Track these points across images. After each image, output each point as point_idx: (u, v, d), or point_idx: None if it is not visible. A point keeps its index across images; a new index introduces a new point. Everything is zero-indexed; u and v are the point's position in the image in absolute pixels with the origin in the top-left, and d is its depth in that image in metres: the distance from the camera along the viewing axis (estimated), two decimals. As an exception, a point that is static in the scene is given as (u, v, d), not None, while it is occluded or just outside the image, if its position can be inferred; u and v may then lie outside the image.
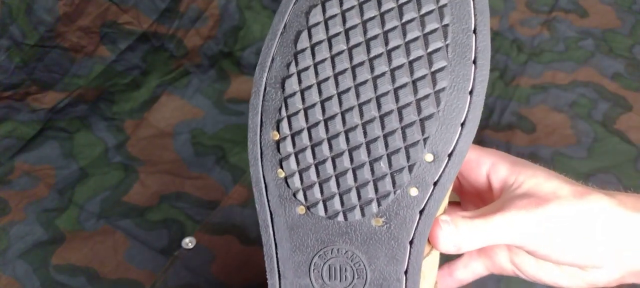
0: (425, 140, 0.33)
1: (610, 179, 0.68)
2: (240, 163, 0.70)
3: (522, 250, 0.38)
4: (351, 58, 0.34)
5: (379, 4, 0.33)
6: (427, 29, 0.33)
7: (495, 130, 0.74)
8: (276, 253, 0.37)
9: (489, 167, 0.39)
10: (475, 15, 0.32)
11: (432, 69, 0.33)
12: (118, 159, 0.70)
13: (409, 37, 0.33)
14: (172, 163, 0.70)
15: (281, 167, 0.35)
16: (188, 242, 0.62)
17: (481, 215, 0.36)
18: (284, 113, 0.35)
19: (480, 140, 0.73)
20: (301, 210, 0.36)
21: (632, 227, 0.35)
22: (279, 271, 0.37)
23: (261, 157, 0.36)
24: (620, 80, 0.79)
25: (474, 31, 0.32)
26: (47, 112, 0.73)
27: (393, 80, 0.33)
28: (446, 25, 0.32)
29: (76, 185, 0.67)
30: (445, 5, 0.32)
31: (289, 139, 0.35)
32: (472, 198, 0.41)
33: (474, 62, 0.32)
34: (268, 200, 0.36)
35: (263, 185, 0.36)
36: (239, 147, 0.72)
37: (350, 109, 0.34)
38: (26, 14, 0.70)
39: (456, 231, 0.35)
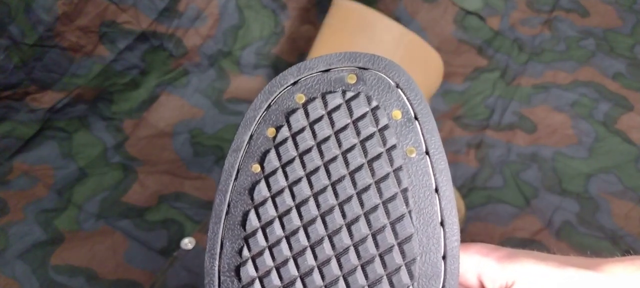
0: None
1: (611, 179, 0.68)
2: (240, 163, 0.70)
3: None
4: (308, 235, 0.30)
5: (328, 172, 0.30)
6: (386, 196, 0.30)
7: (496, 130, 0.74)
8: None
9: (477, 271, 0.38)
10: (434, 174, 0.30)
11: (399, 240, 0.30)
12: (117, 159, 0.70)
13: (368, 206, 0.30)
14: (172, 163, 0.70)
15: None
16: (187, 243, 0.62)
17: None
18: None
19: (481, 141, 0.73)
20: None
21: None
22: None
23: None
24: (622, 80, 0.79)
25: (436, 191, 0.29)
26: (45, 112, 0.72)
27: (358, 255, 0.30)
28: (405, 190, 0.30)
29: (75, 185, 0.67)
30: (400, 168, 0.30)
31: None
32: None
33: (442, 224, 0.30)
34: None
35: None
36: (239, 147, 0.72)
37: None
38: (25, 14, 0.69)
39: None
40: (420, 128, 0.30)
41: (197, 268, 0.60)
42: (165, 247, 0.62)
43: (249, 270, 0.30)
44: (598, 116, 0.74)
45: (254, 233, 0.30)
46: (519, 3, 0.90)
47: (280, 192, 0.30)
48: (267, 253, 0.30)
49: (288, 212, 0.30)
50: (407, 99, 0.30)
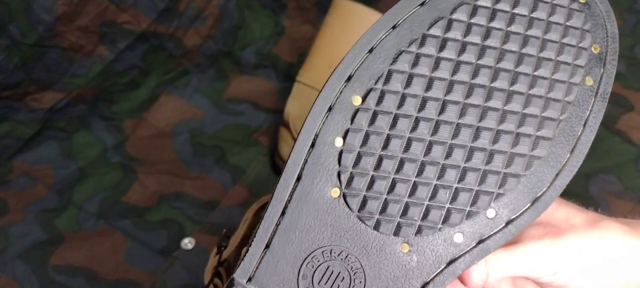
0: (498, 195, 0.32)
1: (611, 179, 0.68)
2: (240, 163, 0.70)
3: (533, 283, 0.38)
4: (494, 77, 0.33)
5: (524, 43, 0.33)
6: (552, 94, 0.33)
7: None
8: (278, 222, 0.31)
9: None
10: (591, 112, 0.34)
11: (537, 133, 0.33)
12: (117, 159, 0.70)
13: (535, 90, 0.33)
14: (171, 163, 0.70)
15: (344, 138, 0.31)
16: (187, 243, 0.62)
17: (504, 247, 0.35)
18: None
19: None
20: (335, 193, 0.31)
21: None
22: (268, 242, 0.31)
23: (329, 111, 0.31)
24: (622, 80, 0.79)
25: (584, 124, 0.34)
26: (46, 112, 0.72)
27: (501, 121, 0.32)
28: (568, 102, 0.34)
29: (75, 185, 0.67)
30: (574, 84, 0.34)
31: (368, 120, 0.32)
32: None
33: (571, 151, 0.34)
34: (306, 161, 0.31)
35: (310, 141, 0.31)
36: (239, 147, 0.72)
37: (446, 124, 0.32)
38: (25, 14, 0.69)
39: (485, 265, 0.34)
40: (603, 72, 0.34)
41: (197, 269, 0.60)
42: (165, 247, 0.62)
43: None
44: (598, 116, 0.74)
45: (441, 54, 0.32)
46: (519, 3, 0.89)
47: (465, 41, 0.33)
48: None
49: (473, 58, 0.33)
50: (607, 45, 0.34)
